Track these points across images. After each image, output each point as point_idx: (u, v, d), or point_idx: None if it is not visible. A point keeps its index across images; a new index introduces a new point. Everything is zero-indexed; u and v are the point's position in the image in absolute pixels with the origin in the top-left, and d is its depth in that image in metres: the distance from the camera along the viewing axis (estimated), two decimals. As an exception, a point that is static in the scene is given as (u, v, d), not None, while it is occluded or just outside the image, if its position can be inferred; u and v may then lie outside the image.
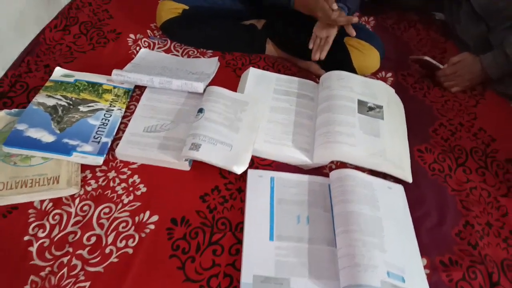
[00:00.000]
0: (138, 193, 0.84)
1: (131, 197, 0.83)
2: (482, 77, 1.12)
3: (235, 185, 0.88)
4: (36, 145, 0.86)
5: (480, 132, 1.05)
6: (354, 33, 1.06)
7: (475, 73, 1.12)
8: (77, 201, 0.82)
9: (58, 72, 1.07)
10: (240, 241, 0.77)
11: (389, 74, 1.21)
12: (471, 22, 1.21)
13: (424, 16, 1.41)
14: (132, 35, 1.26)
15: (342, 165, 0.93)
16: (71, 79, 1.06)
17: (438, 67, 1.15)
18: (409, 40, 1.33)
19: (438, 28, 1.37)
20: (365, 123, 0.97)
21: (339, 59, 1.15)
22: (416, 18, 1.41)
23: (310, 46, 1.10)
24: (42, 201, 0.81)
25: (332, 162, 0.94)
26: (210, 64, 1.19)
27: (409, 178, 0.91)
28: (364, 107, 1.01)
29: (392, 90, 1.10)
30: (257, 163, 0.93)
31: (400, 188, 0.89)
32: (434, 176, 0.94)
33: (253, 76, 1.12)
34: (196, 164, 0.90)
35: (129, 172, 0.88)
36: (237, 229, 0.80)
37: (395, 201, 0.86)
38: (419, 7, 1.42)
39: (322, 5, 1.05)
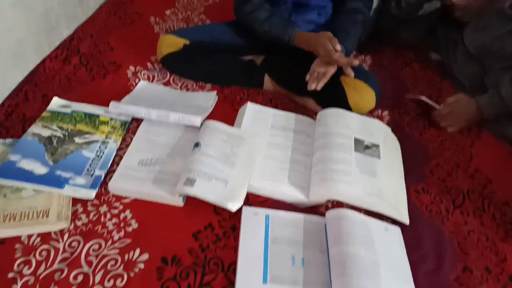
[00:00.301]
0: (129, 229, 0.82)
1: (121, 233, 0.81)
2: (478, 117, 1.13)
3: (229, 222, 0.86)
4: (28, 177, 0.85)
5: (476, 173, 1.05)
6: (352, 75, 1.08)
7: (471, 114, 1.13)
8: (66, 236, 0.80)
9: (56, 102, 1.08)
10: (232, 283, 0.75)
11: (386, 112, 1.22)
12: (467, 63, 1.24)
13: (420, 55, 1.44)
14: (132, 67, 1.27)
15: (338, 204, 0.92)
16: (68, 110, 1.06)
17: (434, 107, 1.16)
18: (405, 79, 1.35)
19: (434, 67, 1.39)
20: (362, 162, 0.97)
21: (335, 97, 1.16)
22: (412, 57, 1.44)
23: (307, 78, 1.12)
24: (30, 236, 0.79)
25: (328, 200, 0.93)
26: (208, 98, 1.19)
27: (406, 220, 0.89)
28: (361, 146, 1.01)
29: (389, 129, 1.11)
30: (252, 199, 0.92)
31: (397, 230, 0.88)
32: (431, 218, 0.92)
33: (251, 111, 1.13)
34: (190, 199, 0.88)
35: (121, 207, 0.86)
36: (230, 269, 0.77)
37: (392, 243, 0.84)
38: (415, 47, 1.45)
39: (324, 44, 1.08)
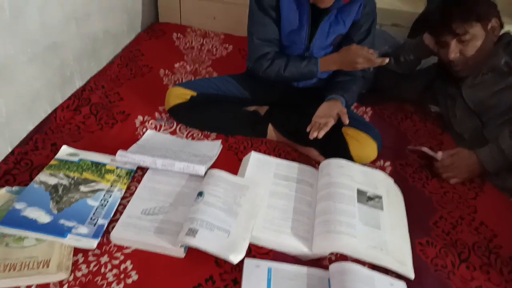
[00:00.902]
0: (129, 281, 0.81)
1: (121, 286, 0.80)
2: (479, 170, 1.14)
3: (231, 275, 0.85)
4: (31, 225, 0.86)
5: (481, 226, 1.03)
6: (347, 121, 1.12)
7: (472, 166, 1.13)
8: (65, 287, 0.78)
9: (64, 151, 1.10)
10: None
11: (388, 163, 1.23)
12: (465, 117, 1.26)
13: (420, 108, 1.48)
14: (140, 117, 1.31)
15: (342, 256, 0.90)
16: (76, 158, 1.08)
17: (436, 158, 1.17)
18: (406, 131, 1.37)
19: (434, 120, 1.42)
20: (365, 214, 0.96)
21: (338, 148, 1.19)
22: (412, 110, 1.47)
23: (308, 129, 1.14)
24: (28, 286, 0.78)
25: (331, 253, 0.91)
26: (213, 147, 1.22)
27: (411, 274, 0.87)
28: (364, 197, 1.01)
29: (391, 180, 1.11)
30: (254, 251, 0.91)
31: (402, 285, 0.85)
32: (437, 272, 0.90)
33: (254, 160, 1.15)
34: (192, 250, 0.88)
35: (122, 257, 0.86)
36: (231, 325, 0.75)
37: (397, 300, 0.82)
38: (414, 100, 1.49)
39: (360, 53, 1.16)
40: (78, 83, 1.40)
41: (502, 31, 1.23)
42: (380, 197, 1.03)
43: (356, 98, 1.27)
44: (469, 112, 1.25)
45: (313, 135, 1.12)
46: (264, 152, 1.21)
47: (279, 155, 1.22)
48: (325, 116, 1.15)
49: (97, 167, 1.07)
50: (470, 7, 1.15)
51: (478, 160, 1.12)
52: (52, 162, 1.06)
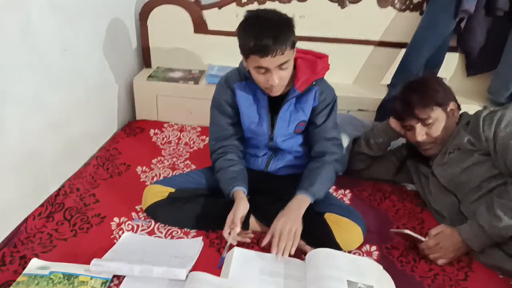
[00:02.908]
0: None
1: None
2: (465, 248, 1.13)
3: None
4: None
5: (478, 309, 1.00)
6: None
7: (457, 245, 1.12)
8: None
9: (34, 264, 1.04)
10: None
11: (374, 248, 1.21)
12: (441, 194, 1.29)
13: (396, 187, 1.51)
14: (116, 219, 1.27)
15: None
16: (47, 272, 1.01)
17: (420, 240, 1.16)
18: (387, 211, 1.38)
19: (412, 198, 1.44)
20: (358, 308, 0.92)
21: (322, 236, 1.17)
22: (389, 189, 1.49)
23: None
24: None
25: None
26: (193, 245, 1.18)
27: None
28: (354, 288, 0.97)
29: (380, 267, 1.08)
30: None
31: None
32: None
33: (238, 256, 1.10)
34: None
35: None
36: None
37: None
38: (388, 180, 1.52)
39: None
40: (52, 188, 1.37)
41: (460, 112, 1.33)
42: (371, 287, 0.99)
43: (329, 183, 1.26)
44: (443, 189, 1.28)
45: (278, 258, 1.08)
46: (248, 245, 1.17)
47: (263, 248, 1.18)
48: (290, 222, 1.12)
49: (70, 279, 1.00)
50: (428, 94, 1.25)
51: (461, 238, 1.12)
52: (20, 278, 0.99)
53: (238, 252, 1.12)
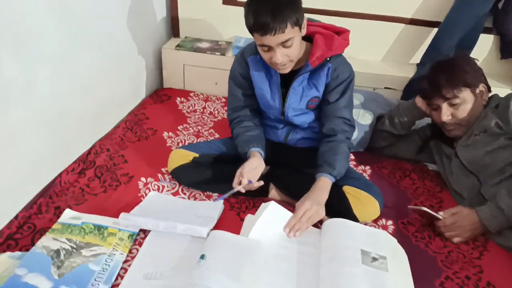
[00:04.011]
0: None
1: None
2: (481, 228, 1.14)
3: None
4: (31, 292, 0.84)
5: (489, 287, 1.02)
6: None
7: (474, 225, 1.13)
8: None
9: (67, 215, 1.11)
10: None
11: (390, 222, 1.23)
12: (462, 175, 1.29)
13: (417, 166, 1.51)
14: (143, 179, 1.33)
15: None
16: (79, 222, 1.09)
17: (437, 218, 1.18)
18: (405, 189, 1.39)
19: (433, 178, 1.45)
20: (370, 276, 0.95)
21: (340, 207, 1.19)
22: (410, 168, 1.50)
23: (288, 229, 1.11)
24: None
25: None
26: (215, 207, 1.23)
27: None
28: (368, 258, 1.00)
29: (395, 240, 1.11)
30: (258, 317, 0.88)
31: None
32: (448, 338, 0.87)
33: (271, 210, 1.11)
34: (194, 318, 0.85)
35: (122, 325, 0.83)
36: None
37: None
38: (411, 159, 1.52)
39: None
40: (84, 147, 1.44)
41: (490, 94, 1.30)
42: (384, 258, 1.02)
43: (347, 162, 1.26)
44: (465, 170, 1.27)
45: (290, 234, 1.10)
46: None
47: (281, 215, 1.22)
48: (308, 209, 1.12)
49: (100, 230, 1.07)
50: (457, 75, 1.23)
51: (479, 218, 1.12)
52: (55, 226, 1.06)
53: (273, 207, 1.13)
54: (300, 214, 1.11)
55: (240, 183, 1.16)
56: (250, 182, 1.16)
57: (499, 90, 1.44)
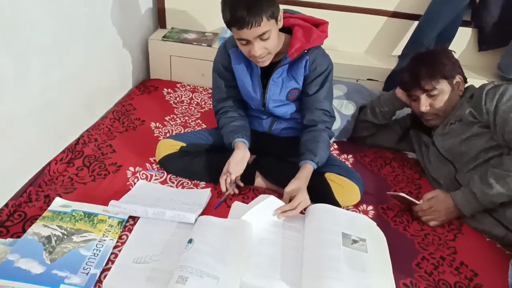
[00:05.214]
0: (121, 330, 0.81)
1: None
2: (456, 212, 1.20)
3: (222, 322, 0.86)
4: (24, 277, 0.87)
5: (462, 266, 1.08)
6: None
7: (449, 209, 1.20)
8: (55, 339, 0.79)
9: (57, 203, 1.13)
10: None
11: (370, 207, 1.29)
12: (439, 163, 1.35)
13: (398, 154, 1.57)
14: (131, 168, 1.36)
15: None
16: (69, 209, 1.11)
17: (415, 203, 1.24)
18: (386, 176, 1.45)
19: (412, 166, 1.51)
20: (350, 257, 1.00)
21: (323, 193, 1.24)
22: (391, 156, 1.56)
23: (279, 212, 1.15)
24: None
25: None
26: (202, 195, 1.26)
27: (397, 315, 0.90)
28: (348, 240, 1.06)
29: (374, 224, 1.16)
30: (244, 297, 0.92)
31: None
32: (422, 312, 0.93)
33: (268, 203, 1.15)
34: (183, 298, 0.89)
35: (114, 306, 0.86)
36: None
37: None
38: (392, 148, 1.58)
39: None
40: (72, 137, 1.46)
41: (466, 85, 1.36)
42: (364, 240, 1.07)
43: (328, 149, 1.31)
44: (442, 158, 1.33)
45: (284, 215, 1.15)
46: (252, 199, 1.25)
47: (266, 202, 1.27)
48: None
49: (90, 217, 1.10)
50: (436, 66, 1.28)
51: (454, 203, 1.19)
52: (46, 213, 1.08)
53: (272, 200, 1.16)
54: (295, 204, 1.15)
55: (229, 181, 1.25)
56: (235, 184, 1.28)
57: (477, 81, 1.50)
